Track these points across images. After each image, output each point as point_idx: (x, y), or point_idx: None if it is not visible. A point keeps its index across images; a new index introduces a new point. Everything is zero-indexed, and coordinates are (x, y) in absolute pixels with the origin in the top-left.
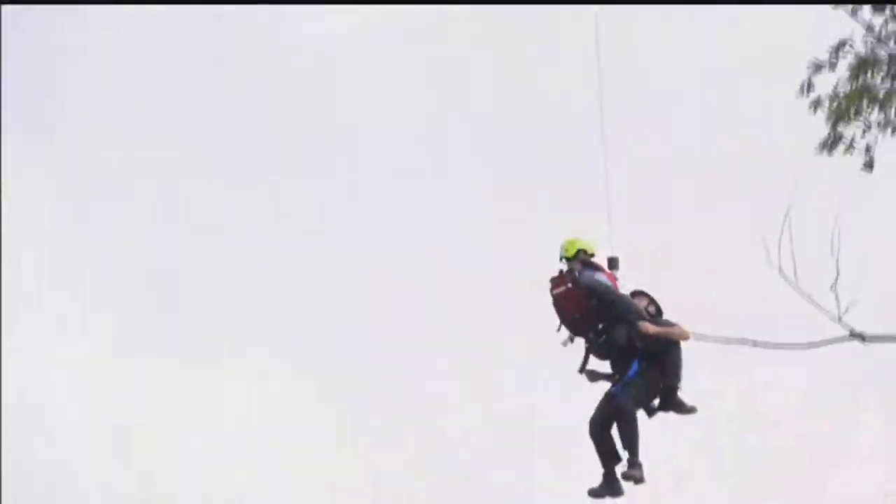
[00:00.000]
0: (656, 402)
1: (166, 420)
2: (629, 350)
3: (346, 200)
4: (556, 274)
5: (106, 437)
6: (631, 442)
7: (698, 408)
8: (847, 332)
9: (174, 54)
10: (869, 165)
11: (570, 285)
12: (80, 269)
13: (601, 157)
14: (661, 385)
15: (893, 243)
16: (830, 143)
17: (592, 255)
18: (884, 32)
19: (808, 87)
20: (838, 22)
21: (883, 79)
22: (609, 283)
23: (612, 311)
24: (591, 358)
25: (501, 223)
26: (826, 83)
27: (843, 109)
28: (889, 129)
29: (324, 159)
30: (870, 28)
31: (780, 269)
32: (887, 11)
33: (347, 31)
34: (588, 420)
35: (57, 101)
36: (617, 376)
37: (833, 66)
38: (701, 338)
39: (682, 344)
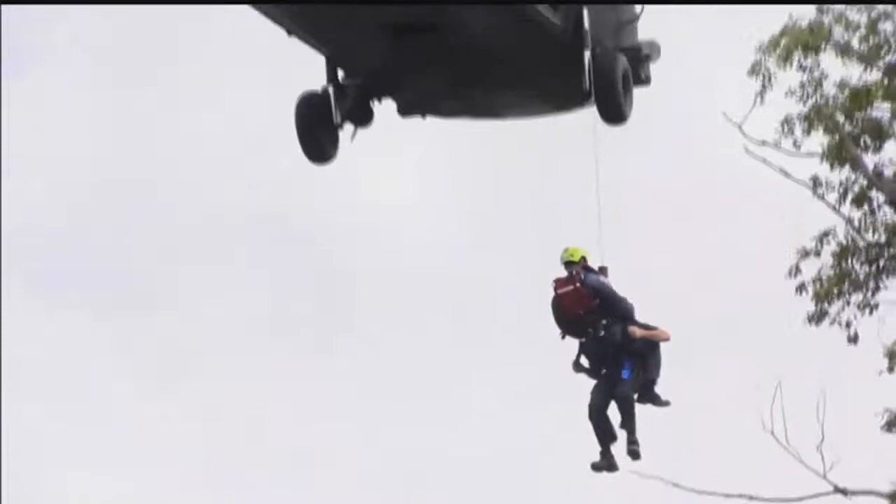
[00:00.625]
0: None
1: None
2: (619, 347)
3: None
4: (561, 276)
5: None
6: (632, 424)
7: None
8: (832, 488)
9: None
10: (853, 340)
11: (577, 285)
12: None
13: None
14: (642, 379)
15: (872, 409)
16: (817, 318)
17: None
18: (863, 224)
19: (796, 271)
20: (823, 215)
21: (862, 264)
22: (611, 285)
23: (613, 311)
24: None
25: None
26: (812, 266)
27: (827, 292)
28: (868, 309)
29: None
30: (850, 221)
31: (772, 431)
32: (865, 206)
33: None
34: (588, 406)
35: None
36: (605, 370)
37: (818, 254)
38: (703, 493)
39: (662, 344)
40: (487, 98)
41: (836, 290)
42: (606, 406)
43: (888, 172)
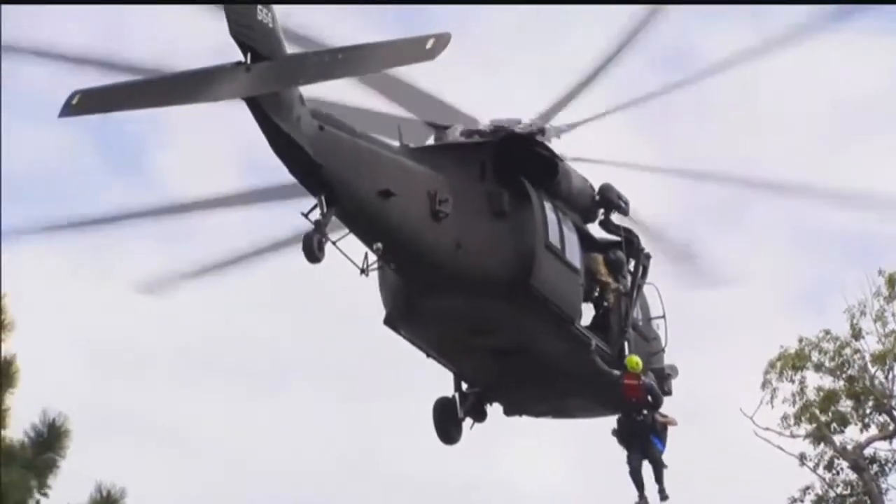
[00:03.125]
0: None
1: None
2: (646, 427)
3: None
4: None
5: None
6: (662, 478)
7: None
8: None
9: None
10: None
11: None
12: None
13: None
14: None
15: None
16: None
17: None
18: (833, 482)
19: None
20: (805, 475)
21: None
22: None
23: (651, 403)
24: None
25: None
26: None
27: None
28: None
29: None
30: (823, 479)
31: None
32: (834, 470)
33: None
34: (630, 466)
35: None
36: (634, 441)
37: (802, 501)
38: None
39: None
40: (564, 403)
41: None
42: (641, 466)
43: (849, 447)
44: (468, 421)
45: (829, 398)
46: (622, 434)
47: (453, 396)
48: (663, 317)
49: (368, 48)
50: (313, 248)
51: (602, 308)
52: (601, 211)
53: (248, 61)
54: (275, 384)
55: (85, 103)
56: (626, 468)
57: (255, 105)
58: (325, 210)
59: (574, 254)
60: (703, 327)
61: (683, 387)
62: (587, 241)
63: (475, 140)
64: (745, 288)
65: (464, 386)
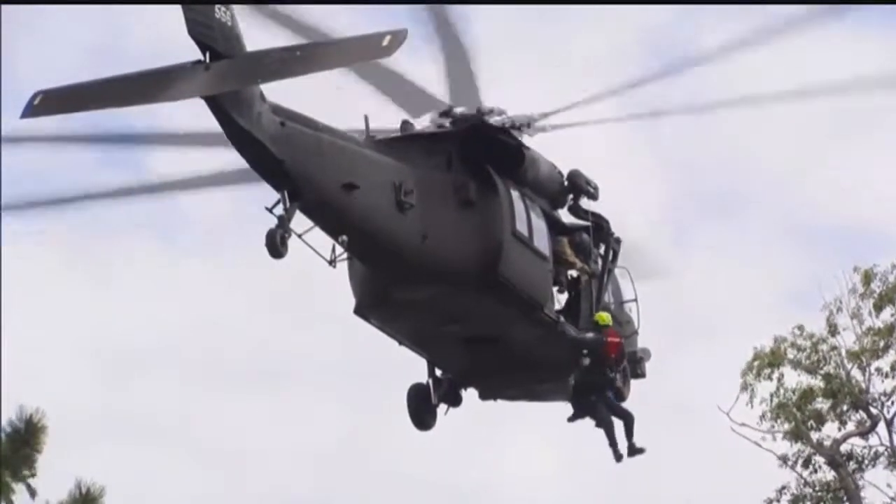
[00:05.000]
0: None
1: None
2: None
3: None
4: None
5: None
6: (633, 431)
7: None
8: None
9: None
10: None
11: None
12: None
13: None
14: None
15: None
16: None
17: None
18: (810, 480)
19: None
20: (784, 474)
21: None
22: None
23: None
24: None
25: None
26: None
27: None
28: None
29: None
30: (801, 476)
31: None
32: (811, 467)
33: None
34: (602, 425)
35: None
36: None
37: (779, 501)
38: None
39: None
40: (537, 387)
41: None
42: (612, 421)
43: (826, 444)
44: (443, 406)
45: (806, 396)
46: (581, 397)
47: (427, 383)
48: (635, 300)
49: (326, 46)
50: (276, 244)
51: (573, 293)
52: (570, 197)
53: (208, 60)
54: (273, 383)
55: (47, 104)
56: (600, 430)
57: (215, 103)
58: (287, 205)
59: (542, 240)
60: (686, 322)
61: (665, 383)
62: (556, 227)
63: (441, 129)
64: (731, 281)
65: (438, 372)
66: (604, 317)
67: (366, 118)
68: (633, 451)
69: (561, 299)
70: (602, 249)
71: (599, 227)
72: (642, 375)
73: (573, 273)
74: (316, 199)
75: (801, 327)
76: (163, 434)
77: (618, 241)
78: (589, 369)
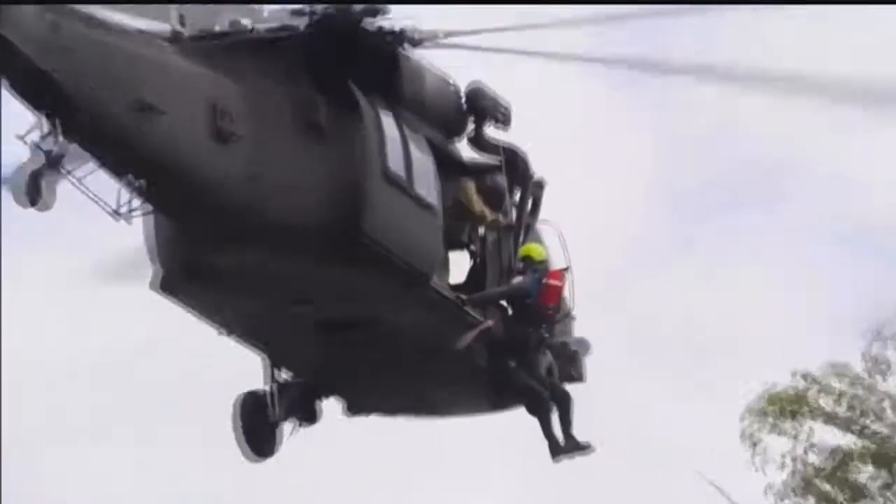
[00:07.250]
0: None
1: None
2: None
3: None
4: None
5: None
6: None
7: None
8: None
9: None
10: None
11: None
12: None
13: None
14: None
15: None
16: None
17: None
18: None
19: None
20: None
21: None
22: None
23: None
24: None
25: None
26: None
27: None
28: None
29: None
30: None
31: None
32: None
33: None
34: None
35: None
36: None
37: None
38: None
39: None
40: (427, 395)
41: None
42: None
43: None
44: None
45: (843, 463)
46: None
47: (265, 390)
48: (568, 268)
49: None
50: (29, 188)
51: (478, 256)
52: (471, 122)
53: None
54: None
55: None
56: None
57: None
58: (53, 132)
59: (428, 184)
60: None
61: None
62: (451, 166)
63: (282, 27)
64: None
65: (282, 374)
66: (536, 250)
67: (180, 16)
68: (573, 446)
69: (462, 266)
70: (518, 196)
71: (513, 165)
72: (579, 378)
73: (480, 230)
74: (95, 124)
75: (835, 364)
76: None
77: (540, 184)
78: (513, 327)
